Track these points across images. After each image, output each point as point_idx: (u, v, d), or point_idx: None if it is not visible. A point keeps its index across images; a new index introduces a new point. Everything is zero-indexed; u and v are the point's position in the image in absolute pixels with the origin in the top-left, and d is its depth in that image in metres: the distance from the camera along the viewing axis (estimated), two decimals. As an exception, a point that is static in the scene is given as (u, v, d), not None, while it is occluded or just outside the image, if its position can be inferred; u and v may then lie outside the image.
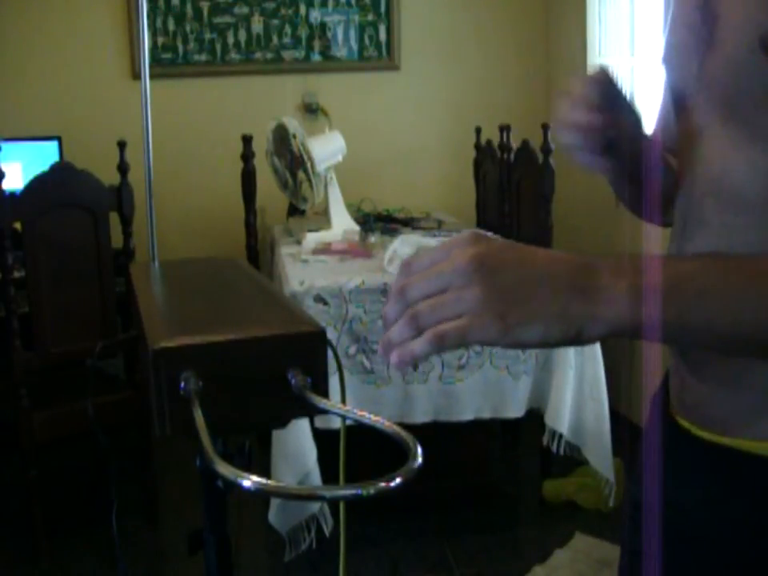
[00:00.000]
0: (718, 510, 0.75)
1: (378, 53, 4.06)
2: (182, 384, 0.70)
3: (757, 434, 0.71)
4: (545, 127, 2.85)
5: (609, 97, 0.79)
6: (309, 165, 2.95)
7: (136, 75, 3.65)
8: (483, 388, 2.39)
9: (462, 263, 0.57)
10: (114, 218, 2.64)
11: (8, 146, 2.91)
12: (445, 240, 0.62)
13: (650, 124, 0.92)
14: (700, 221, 0.74)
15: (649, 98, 3.06)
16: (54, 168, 2.56)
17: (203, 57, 3.95)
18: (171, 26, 3.90)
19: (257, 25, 3.97)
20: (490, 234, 0.69)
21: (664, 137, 0.91)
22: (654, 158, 0.91)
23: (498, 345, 0.58)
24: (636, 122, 0.84)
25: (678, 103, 0.81)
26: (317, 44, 4.02)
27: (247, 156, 3.12)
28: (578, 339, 0.58)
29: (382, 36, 4.05)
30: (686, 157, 0.78)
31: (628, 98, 0.83)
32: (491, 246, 0.59)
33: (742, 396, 0.72)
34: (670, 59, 0.80)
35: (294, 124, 3.00)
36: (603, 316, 0.57)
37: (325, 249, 2.80)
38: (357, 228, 3.09)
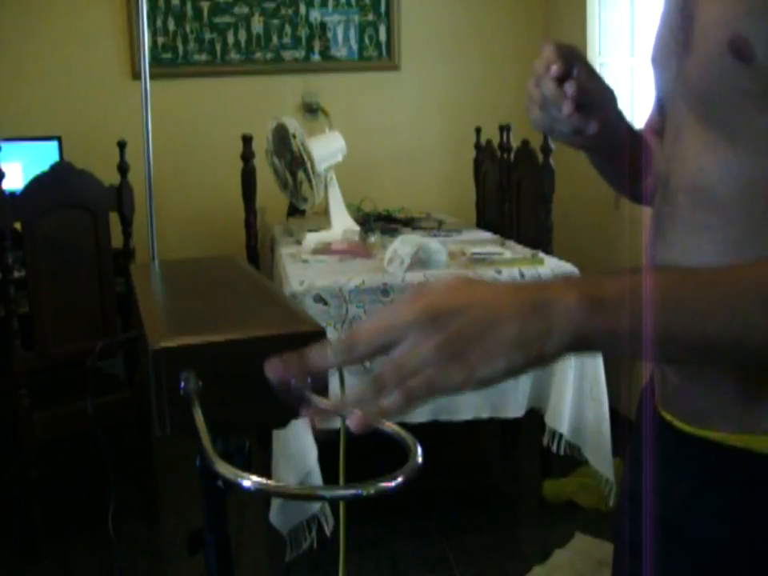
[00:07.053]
0: (700, 502, 0.76)
1: (378, 53, 4.07)
2: (182, 384, 0.71)
3: (735, 426, 0.72)
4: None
5: (570, 65, 0.83)
6: (309, 165, 2.95)
7: (136, 75, 3.65)
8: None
9: (413, 317, 0.58)
10: (114, 218, 2.64)
11: (8, 146, 2.91)
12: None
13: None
14: (673, 218, 0.75)
15: (648, 98, 3.06)
16: (54, 168, 2.56)
17: (203, 57, 3.95)
18: (171, 26, 3.90)
19: (257, 25, 3.97)
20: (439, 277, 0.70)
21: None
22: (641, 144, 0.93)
23: (466, 389, 0.58)
24: (606, 91, 0.87)
25: (660, 102, 0.82)
26: (317, 44, 4.02)
27: (247, 156, 3.12)
28: (542, 359, 0.58)
29: (382, 36, 4.05)
30: (664, 155, 0.79)
31: (594, 69, 0.86)
32: (436, 294, 0.59)
33: (719, 389, 0.73)
34: (655, 59, 0.81)
35: (294, 124, 3.00)
36: (559, 328, 0.57)
37: (325, 249, 2.80)
38: (357, 228, 3.09)
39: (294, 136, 2.97)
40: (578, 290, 0.58)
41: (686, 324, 0.58)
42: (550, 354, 0.58)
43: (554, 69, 0.82)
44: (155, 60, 3.80)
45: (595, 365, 2.43)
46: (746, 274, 0.61)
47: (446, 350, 0.57)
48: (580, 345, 0.59)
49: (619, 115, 0.91)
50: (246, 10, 3.95)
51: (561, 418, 2.39)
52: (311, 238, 2.96)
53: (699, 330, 0.58)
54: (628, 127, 0.93)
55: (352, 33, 4.03)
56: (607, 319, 0.58)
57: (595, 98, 0.86)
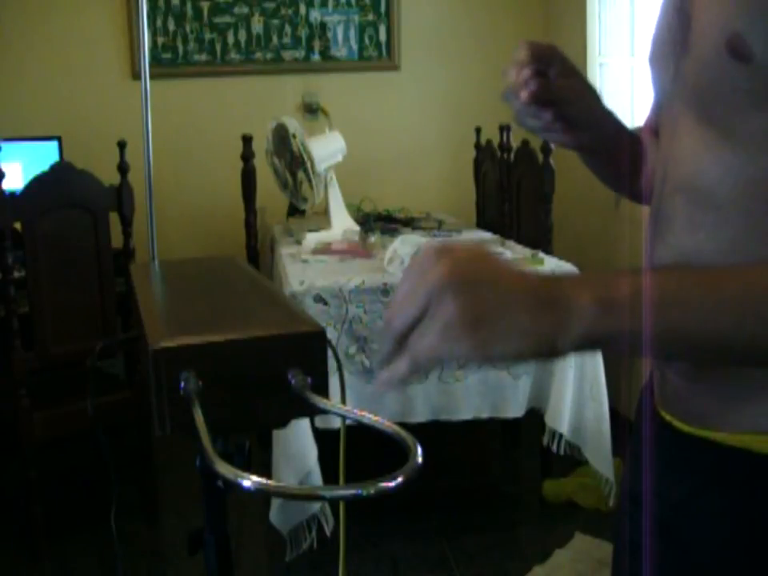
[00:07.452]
0: (700, 502, 0.76)
1: (378, 53, 4.07)
2: (182, 384, 0.71)
3: (734, 426, 0.72)
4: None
5: (547, 62, 0.84)
6: (309, 165, 2.95)
7: (136, 75, 3.65)
8: (483, 388, 2.39)
9: (434, 281, 0.58)
10: (114, 218, 2.64)
11: (8, 146, 2.91)
12: (414, 259, 0.62)
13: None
14: (670, 218, 0.75)
15: (648, 98, 3.06)
16: (54, 168, 2.56)
17: (203, 57, 3.95)
18: (171, 26, 3.90)
19: (257, 25, 3.97)
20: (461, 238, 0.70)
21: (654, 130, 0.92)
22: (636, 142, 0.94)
23: (471, 360, 0.58)
24: (587, 89, 0.88)
25: (658, 102, 0.82)
26: (317, 44, 4.02)
27: (247, 156, 3.12)
28: (552, 352, 0.59)
29: (382, 36, 4.05)
30: (662, 154, 0.79)
31: (578, 72, 0.88)
32: (458, 257, 0.60)
33: (718, 389, 0.73)
34: (652, 59, 0.81)
35: (294, 124, 3.01)
36: (570, 327, 0.58)
37: (325, 249, 2.80)
38: (357, 228, 3.09)
39: (294, 136, 2.97)
40: (591, 290, 0.59)
41: (699, 322, 0.59)
42: (560, 349, 0.59)
43: (526, 73, 0.83)
44: (155, 60, 3.80)
45: (595, 365, 2.43)
46: (758, 271, 0.61)
47: (462, 317, 0.57)
48: (590, 343, 0.60)
49: (606, 114, 0.91)
50: (245, 9, 3.95)
51: (561, 418, 2.39)
52: (311, 238, 2.96)
53: (712, 327, 0.59)
54: (619, 127, 0.93)
55: (352, 33, 4.03)
56: (619, 320, 0.58)
57: (567, 94, 0.86)
